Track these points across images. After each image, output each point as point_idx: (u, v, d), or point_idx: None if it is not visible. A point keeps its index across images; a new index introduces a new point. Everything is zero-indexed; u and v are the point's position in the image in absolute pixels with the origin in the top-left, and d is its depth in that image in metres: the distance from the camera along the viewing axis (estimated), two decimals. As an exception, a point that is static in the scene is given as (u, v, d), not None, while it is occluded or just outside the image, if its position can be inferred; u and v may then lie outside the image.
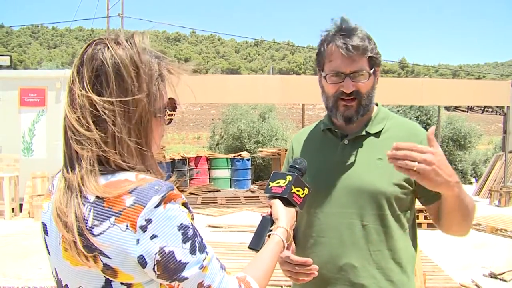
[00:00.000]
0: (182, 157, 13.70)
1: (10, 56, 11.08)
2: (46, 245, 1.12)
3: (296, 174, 1.48)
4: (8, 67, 10.64)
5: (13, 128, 9.95)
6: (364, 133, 1.67)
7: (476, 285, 5.32)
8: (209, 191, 12.81)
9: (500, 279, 5.55)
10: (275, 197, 1.44)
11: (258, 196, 11.73)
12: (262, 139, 16.26)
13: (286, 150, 13.59)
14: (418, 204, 1.67)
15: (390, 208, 1.59)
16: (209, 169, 14.02)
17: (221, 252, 5.91)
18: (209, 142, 19.45)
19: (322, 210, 1.66)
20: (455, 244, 6.76)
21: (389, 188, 1.58)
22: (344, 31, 1.59)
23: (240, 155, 14.15)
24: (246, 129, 16.29)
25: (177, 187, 1.02)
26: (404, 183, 1.59)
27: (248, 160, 13.95)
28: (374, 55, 1.60)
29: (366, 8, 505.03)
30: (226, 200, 11.26)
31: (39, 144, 9.98)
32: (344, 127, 1.70)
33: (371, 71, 1.60)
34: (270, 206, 1.43)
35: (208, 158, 14.10)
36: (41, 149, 9.99)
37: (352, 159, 1.65)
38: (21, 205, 9.41)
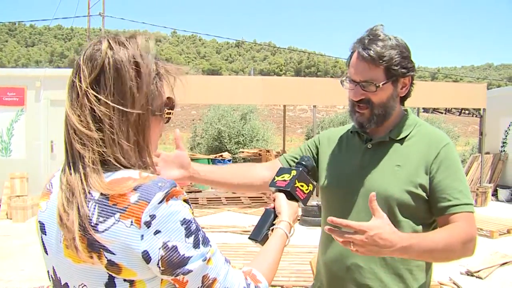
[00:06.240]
0: (163, 157, 13.58)
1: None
2: (44, 244, 1.12)
3: (301, 169, 1.51)
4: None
5: (-10, 128, 9.78)
6: (387, 138, 1.67)
7: (454, 283, 5.44)
8: (190, 192, 12.72)
9: (476, 277, 5.69)
10: (279, 191, 1.47)
11: (239, 197, 11.71)
12: (243, 140, 16.26)
13: (267, 151, 13.66)
14: None
15: (402, 216, 1.58)
16: (190, 170, 13.86)
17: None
18: (190, 143, 19.37)
19: (339, 212, 1.67)
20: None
21: (400, 195, 1.58)
22: (368, 39, 1.59)
23: (221, 155, 14.10)
24: (226, 130, 16.26)
25: None
26: (418, 192, 1.58)
27: (229, 160, 13.89)
28: (393, 66, 1.57)
29: (344, 9, 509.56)
30: (207, 201, 11.23)
31: (18, 144, 9.82)
32: (370, 131, 1.71)
33: (387, 82, 1.59)
34: (274, 200, 1.45)
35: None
36: (20, 149, 9.83)
37: (371, 163, 1.67)
38: (-2, 206, 9.24)
